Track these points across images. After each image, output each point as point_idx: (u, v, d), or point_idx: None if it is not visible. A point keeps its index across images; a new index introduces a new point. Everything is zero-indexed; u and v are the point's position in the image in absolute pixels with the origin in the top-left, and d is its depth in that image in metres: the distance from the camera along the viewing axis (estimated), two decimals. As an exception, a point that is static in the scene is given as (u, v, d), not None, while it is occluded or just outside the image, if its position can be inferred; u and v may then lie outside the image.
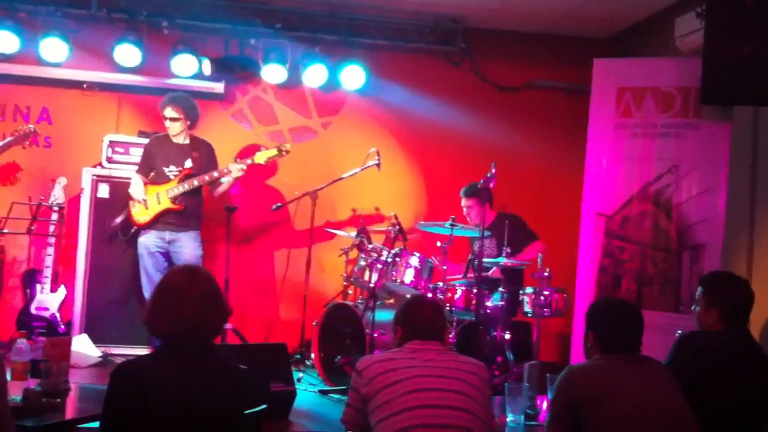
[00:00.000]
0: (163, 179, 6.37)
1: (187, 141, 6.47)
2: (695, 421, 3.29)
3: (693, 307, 3.94)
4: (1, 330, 6.62)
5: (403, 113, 7.78)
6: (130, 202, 6.38)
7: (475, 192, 6.47)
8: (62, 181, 6.72)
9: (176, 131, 6.41)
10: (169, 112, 6.36)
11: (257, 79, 7.49)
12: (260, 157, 6.44)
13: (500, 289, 6.18)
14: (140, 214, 6.33)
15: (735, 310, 3.79)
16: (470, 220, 6.57)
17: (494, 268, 6.34)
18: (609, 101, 6.46)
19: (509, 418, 4.09)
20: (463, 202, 6.64)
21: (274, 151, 6.47)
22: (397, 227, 6.08)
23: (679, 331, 3.88)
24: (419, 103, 7.76)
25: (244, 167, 6.34)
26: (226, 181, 6.39)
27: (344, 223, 7.49)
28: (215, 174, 6.35)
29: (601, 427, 3.23)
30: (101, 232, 6.65)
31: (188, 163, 6.39)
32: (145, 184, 6.38)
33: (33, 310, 6.47)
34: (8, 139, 6.53)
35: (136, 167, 6.51)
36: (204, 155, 6.47)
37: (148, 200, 6.31)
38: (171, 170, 6.38)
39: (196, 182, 6.31)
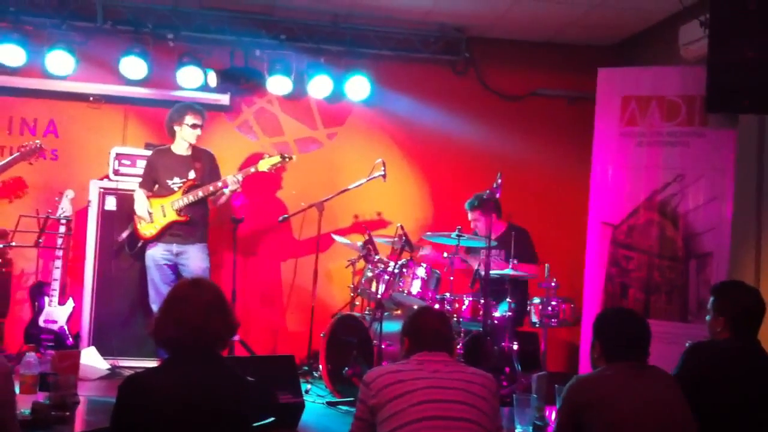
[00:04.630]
0: (167, 191, 6.38)
1: (189, 152, 6.48)
2: (696, 430, 3.29)
3: (707, 316, 3.94)
4: (9, 343, 6.62)
5: (408, 123, 7.79)
6: (135, 217, 6.40)
7: (478, 204, 6.48)
8: (69, 193, 6.73)
9: (195, 139, 6.42)
10: (190, 119, 6.38)
11: (263, 91, 7.50)
12: (263, 165, 6.46)
13: (507, 299, 6.17)
14: (146, 228, 6.34)
15: (741, 318, 3.78)
16: (479, 232, 6.57)
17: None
18: (614, 110, 6.46)
19: (518, 429, 4.07)
20: (469, 215, 6.64)
21: (277, 158, 6.49)
22: (404, 238, 6.08)
23: (689, 341, 3.86)
24: (424, 112, 7.78)
25: (240, 178, 6.35)
26: (226, 191, 6.41)
27: (347, 231, 7.50)
28: (219, 184, 6.36)
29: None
30: (109, 244, 6.67)
31: (191, 174, 6.40)
32: (149, 197, 6.39)
33: (41, 323, 6.48)
34: (14, 155, 6.58)
35: (139, 181, 6.53)
36: (206, 165, 6.49)
37: (153, 213, 6.32)
38: (175, 182, 6.39)
39: (200, 193, 6.32)
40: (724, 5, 5.53)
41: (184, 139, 6.43)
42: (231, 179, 6.34)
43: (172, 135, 6.49)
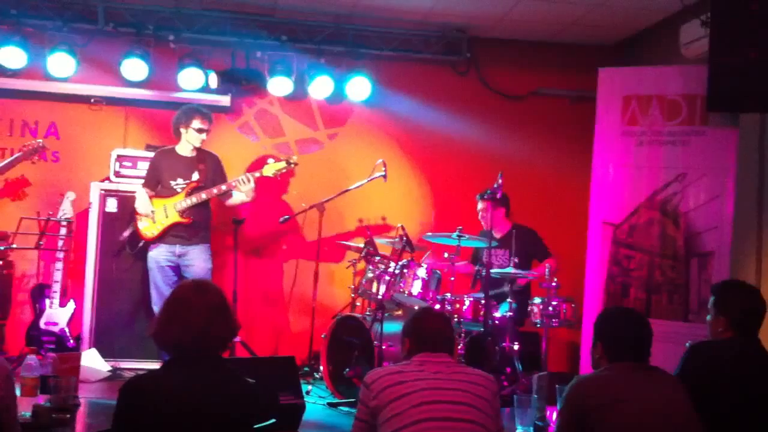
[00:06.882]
0: (170, 192, 6.38)
1: (194, 154, 6.48)
2: (701, 430, 3.28)
3: (707, 316, 3.94)
4: (10, 345, 6.61)
5: (409, 123, 7.78)
6: (137, 216, 6.39)
7: (488, 196, 6.45)
8: (70, 195, 6.73)
9: (200, 143, 6.42)
10: (197, 123, 6.37)
11: (263, 92, 7.50)
12: (268, 170, 6.46)
13: (508, 299, 6.16)
14: (148, 229, 6.34)
15: (742, 318, 3.76)
16: (484, 224, 6.57)
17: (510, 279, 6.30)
18: (615, 109, 6.46)
19: (519, 430, 4.07)
20: (479, 205, 6.64)
21: (282, 164, 6.48)
22: (405, 239, 6.08)
23: (689, 342, 3.86)
24: (425, 113, 7.77)
25: (251, 177, 6.35)
26: (238, 195, 6.41)
27: (352, 234, 7.50)
28: (223, 187, 6.36)
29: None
30: (109, 246, 6.67)
31: (195, 176, 6.40)
32: (152, 197, 6.39)
33: (42, 325, 6.48)
34: (17, 154, 6.59)
35: (142, 181, 6.53)
36: (210, 167, 6.49)
37: (156, 213, 6.32)
38: (178, 183, 6.39)
39: (204, 195, 6.32)
40: (725, 5, 5.52)
41: (189, 142, 6.43)
42: (244, 188, 6.34)
43: (178, 136, 6.49)
